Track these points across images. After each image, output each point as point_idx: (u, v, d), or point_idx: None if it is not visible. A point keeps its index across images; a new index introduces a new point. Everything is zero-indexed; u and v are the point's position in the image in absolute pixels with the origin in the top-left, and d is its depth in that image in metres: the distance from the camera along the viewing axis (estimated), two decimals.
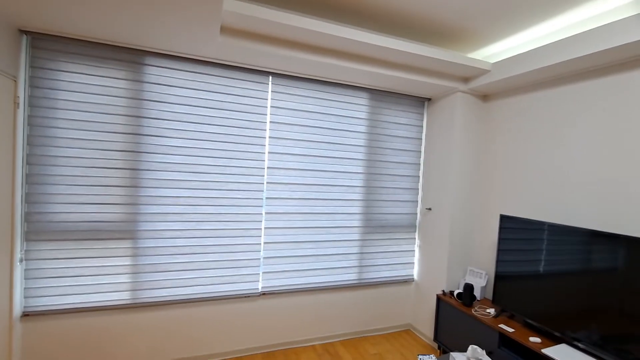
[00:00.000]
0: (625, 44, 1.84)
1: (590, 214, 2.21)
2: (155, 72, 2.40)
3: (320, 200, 2.93)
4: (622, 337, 1.87)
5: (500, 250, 2.62)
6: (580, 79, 2.31)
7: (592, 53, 1.99)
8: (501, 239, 2.62)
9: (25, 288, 2.20)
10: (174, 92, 2.45)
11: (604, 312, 1.96)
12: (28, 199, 2.18)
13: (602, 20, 2.07)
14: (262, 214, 2.73)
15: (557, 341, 2.17)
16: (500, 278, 2.61)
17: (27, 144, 2.17)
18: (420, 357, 2.15)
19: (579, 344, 2.05)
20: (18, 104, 2.11)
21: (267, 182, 2.73)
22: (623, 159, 2.05)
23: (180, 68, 2.46)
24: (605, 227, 2.12)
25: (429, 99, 3.28)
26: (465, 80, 2.88)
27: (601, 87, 2.18)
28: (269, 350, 2.83)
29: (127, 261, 2.41)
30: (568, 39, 2.12)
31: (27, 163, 2.17)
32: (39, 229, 2.21)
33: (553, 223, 2.27)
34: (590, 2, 1.97)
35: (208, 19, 1.85)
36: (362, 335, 3.19)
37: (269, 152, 2.73)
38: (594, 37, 1.99)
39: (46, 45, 2.18)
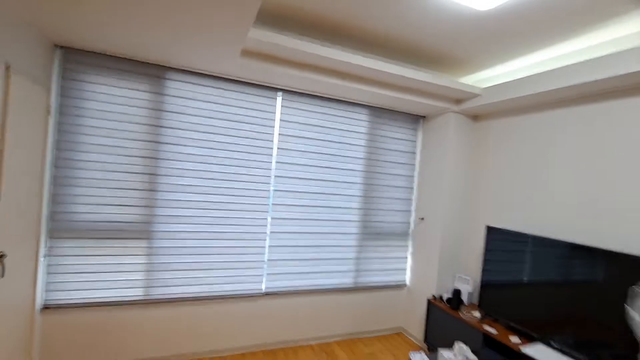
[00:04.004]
0: (602, 79, 2.10)
1: (571, 227, 2.46)
2: (176, 86, 2.61)
3: (322, 208, 3.15)
4: (593, 342, 2.09)
5: (485, 260, 2.86)
6: (560, 105, 2.59)
7: (572, 85, 2.26)
8: (487, 249, 2.86)
9: (47, 282, 2.36)
10: (192, 104, 2.67)
11: (578, 318, 2.19)
12: (54, 199, 2.35)
13: (581, 56, 2.34)
14: (267, 219, 2.94)
15: (535, 342, 2.40)
16: (485, 285, 2.84)
17: (56, 148, 2.35)
18: (411, 354, 2.36)
19: (554, 344, 2.28)
20: (50, 111, 2.29)
21: (274, 190, 2.94)
22: (597, 177, 2.32)
23: (199, 83, 2.67)
24: (585, 241, 2.36)
25: (424, 117, 3.54)
26: (458, 101, 3.15)
27: (578, 114, 2.46)
28: (269, 348, 3.01)
29: (141, 260, 2.59)
30: (550, 72, 2.40)
31: (55, 166, 2.35)
32: (62, 227, 2.38)
33: (536, 235, 2.52)
34: (571, 39, 2.25)
35: (233, 44, 2.07)
36: (356, 337, 3.38)
37: (277, 162, 2.94)
38: (572, 71, 2.26)
39: (77, 59, 2.38)
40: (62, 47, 2.32)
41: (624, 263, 1.99)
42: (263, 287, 2.95)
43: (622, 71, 1.99)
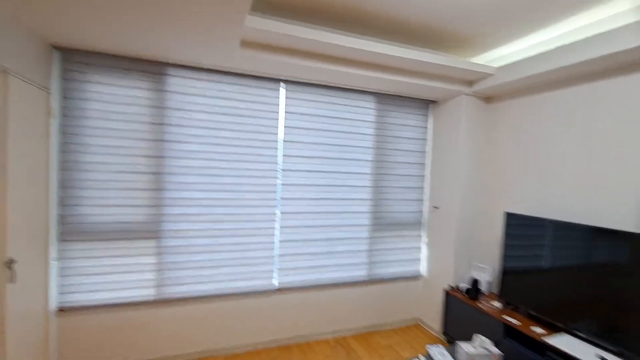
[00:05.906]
0: (623, 50, 1.95)
1: (590, 210, 2.32)
2: (177, 82, 2.56)
3: (332, 200, 3.07)
4: (619, 328, 1.98)
5: (505, 246, 2.74)
6: (577, 82, 2.42)
7: (590, 59, 2.10)
8: (506, 235, 2.74)
9: (59, 285, 2.37)
10: (194, 100, 2.61)
11: (603, 303, 2.07)
12: (62, 202, 2.34)
13: (602, 27, 2.17)
14: (275, 213, 2.88)
15: (558, 331, 2.29)
16: (506, 273, 2.73)
17: (61, 151, 2.33)
18: (428, 346, 2.29)
19: (579, 333, 2.17)
20: (51, 114, 2.27)
21: (282, 184, 2.88)
22: (616, 158, 2.17)
23: (199, 78, 2.60)
24: (605, 224, 2.23)
25: (434, 102, 3.40)
26: (470, 83, 3.00)
27: (595, 91, 2.29)
28: (284, 343, 2.98)
29: (151, 259, 2.57)
30: (567, 46, 2.23)
31: (61, 169, 2.33)
32: (71, 230, 2.37)
33: (555, 220, 2.39)
34: (589, 10, 2.09)
35: (229, 36, 1.99)
36: (373, 330, 3.32)
37: (284, 155, 2.87)
38: (591, 43, 2.09)
39: (76, 59, 2.34)
40: (60, 48, 2.28)
41: None
42: (275, 282, 2.91)
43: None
